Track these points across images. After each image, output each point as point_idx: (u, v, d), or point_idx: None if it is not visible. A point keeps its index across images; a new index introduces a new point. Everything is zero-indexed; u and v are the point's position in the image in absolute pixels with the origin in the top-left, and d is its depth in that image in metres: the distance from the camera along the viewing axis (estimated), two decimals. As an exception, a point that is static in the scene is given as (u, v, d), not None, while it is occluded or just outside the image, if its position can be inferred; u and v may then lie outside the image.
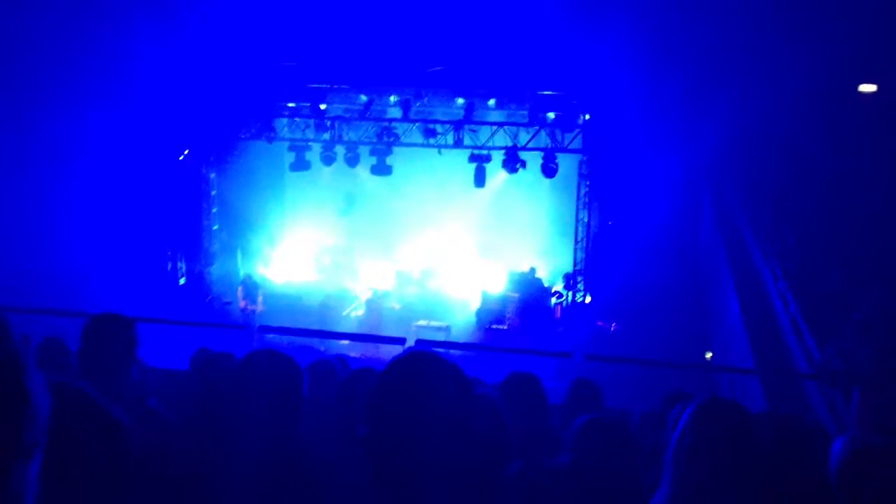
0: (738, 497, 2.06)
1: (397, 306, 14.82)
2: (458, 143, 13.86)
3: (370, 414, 1.47)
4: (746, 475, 2.09)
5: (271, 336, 8.25)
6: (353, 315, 14.66)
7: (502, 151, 13.66)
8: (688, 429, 2.14)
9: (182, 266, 14.76)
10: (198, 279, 14.83)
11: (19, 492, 0.89)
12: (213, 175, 15.02)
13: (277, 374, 2.10)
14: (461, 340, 12.99)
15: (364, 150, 14.13)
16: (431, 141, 13.81)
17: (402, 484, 1.42)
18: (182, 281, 14.76)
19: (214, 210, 15.20)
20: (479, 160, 13.82)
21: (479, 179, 13.94)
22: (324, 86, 13.34)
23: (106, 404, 1.39)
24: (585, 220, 13.99)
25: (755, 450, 2.12)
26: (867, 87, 10.50)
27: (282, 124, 14.27)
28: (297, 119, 14.20)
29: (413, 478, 1.41)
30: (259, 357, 2.18)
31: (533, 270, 14.65)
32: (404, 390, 1.47)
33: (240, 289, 13.68)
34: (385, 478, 1.42)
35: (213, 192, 15.14)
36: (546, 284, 14.60)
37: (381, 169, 14.19)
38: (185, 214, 14.59)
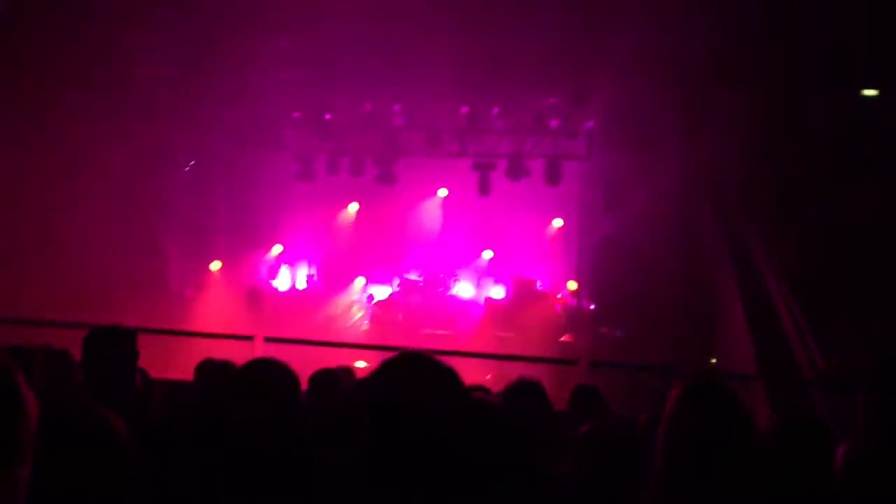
0: (733, 476, 2.07)
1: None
2: (461, 152, 13.90)
3: (360, 416, 1.47)
4: (739, 452, 2.10)
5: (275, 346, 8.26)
6: (358, 325, 14.68)
7: (506, 159, 13.68)
8: (679, 407, 2.16)
9: (188, 277, 14.79)
10: (204, 290, 14.86)
11: (13, 494, 0.91)
12: (219, 186, 15.07)
13: (275, 382, 2.12)
14: (467, 348, 13.00)
15: (368, 159, 14.18)
16: (435, 149, 13.86)
17: (396, 487, 1.42)
18: (188, 291, 14.78)
19: (220, 221, 15.24)
20: (483, 168, 13.86)
21: (483, 187, 13.97)
22: (328, 95, 13.40)
23: (104, 415, 1.41)
24: (589, 226, 13.98)
25: (746, 426, 2.13)
26: (870, 92, 10.49)
27: (287, 134, 14.33)
28: (301, 129, 14.26)
29: (406, 480, 1.41)
30: (257, 366, 2.20)
31: (534, 279, 14.74)
32: (394, 392, 1.47)
33: (245, 299, 13.71)
34: (378, 482, 1.42)
35: (219, 201, 15.19)
36: (549, 292, 14.62)
37: (386, 178, 14.23)
38: (191, 225, 14.64)
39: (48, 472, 1.29)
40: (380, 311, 15.09)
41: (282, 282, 16.23)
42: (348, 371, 4.85)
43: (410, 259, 15.99)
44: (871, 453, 2.46)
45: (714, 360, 11.21)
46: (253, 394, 2.15)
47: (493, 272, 15.64)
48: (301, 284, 16.22)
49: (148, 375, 4.05)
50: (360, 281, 15.77)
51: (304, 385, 3.31)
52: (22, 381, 0.91)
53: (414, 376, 1.49)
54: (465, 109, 13.56)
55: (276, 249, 16.24)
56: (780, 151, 10.07)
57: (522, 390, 3.73)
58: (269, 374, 2.23)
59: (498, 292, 14.98)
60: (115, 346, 3.06)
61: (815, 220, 9.10)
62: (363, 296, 15.47)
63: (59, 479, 1.28)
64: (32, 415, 0.93)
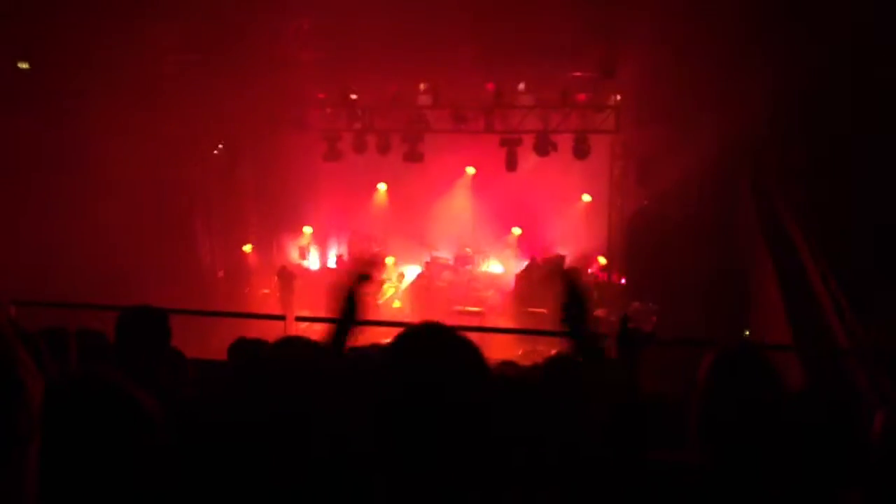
0: (766, 437, 2.08)
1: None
2: (488, 128, 13.81)
3: (376, 387, 1.46)
4: (771, 414, 2.11)
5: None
6: (388, 303, 14.74)
7: (533, 134, 13.58)
8: (711, 374, 2.19)
9: (220, 258, 14.94)
10: (235, 271, 15.00)
11: (20, 476, 0.91)
12: (247, 168, 15.16)
13: (304, 360, 2.13)
14: (497, 324, 13.00)
15: (395, 138, 14.15)
16: (462, 126, 13.79)
17: (412, 459, 1.41)
18: (221, 272, 14.94)
19: (249, 203, 15.36)
20: (510, 144, 13.77)
21: (511, 163, 13.89)
22: (353, 75, 13.38)
23: (136, 394, 1.42)
24: (619, 201, 13.87)
25: (778, 390, 2.15)
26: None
27: (313, 115, 14.34)
28: (328, 109, 14.26)
29: (421, 452, 1.40)
30: (286, 344, 2.21)
31: (562, 254, 14.72)
32: (408, 363, 1.46)
33: (276, 279, 13.81)
34: (396, 454, 1.41)
35: (249, 184, 15.29)
36: (579, 267, 14.56)
37: (413, 156, 14.20)
38: (221, 207, 14.76)
39: (79, 452, 1.30)
40: (410, 288, 15.15)
41: (312, 262, 16.33)
42: (381, 348, 4.87)
43: (439, 237, 15.98)
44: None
45: (747, 333, 11.10)
46: (284, 371, 2.17)
47: (522, 248, 15.59)
48: (331, 264, 16.31)
49: (182, 355, 4.10)
50: (390, 259, 15.81)
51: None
52: (23, 366, 0.91)
53: (430, 348, 1.48)
54: (491, 85, 13.45)
55: (307, 230, 16.33)
56: (815, 123, 9.86)
57: (557, 365, 3.70)
58: (299, 351, 2.25)
59: (527, 268, 14.92)
60: (146, 326, 3.10)
61: (850, 191, 8.92)
62: (394, 274, 15.52)
63: (90, 458, 1.30)
64: (33, 399, 0.93)
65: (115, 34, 10.42)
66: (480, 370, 1.49)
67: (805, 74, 9.48)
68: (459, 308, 13.63)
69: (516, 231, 15.80)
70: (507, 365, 4.09)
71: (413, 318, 13.23)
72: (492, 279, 15.43)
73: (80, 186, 10.58)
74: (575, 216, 15.39)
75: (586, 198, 15.26)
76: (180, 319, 3.93)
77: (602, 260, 14.60)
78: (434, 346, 1.50)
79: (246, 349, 4.22)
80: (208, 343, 6.55)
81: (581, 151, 13.39)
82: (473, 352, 1.50)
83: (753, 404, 2.12)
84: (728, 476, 2.09)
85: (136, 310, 3.18)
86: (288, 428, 2.05)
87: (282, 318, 7.70)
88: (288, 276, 14.13)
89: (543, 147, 13.47)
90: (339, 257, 16.34)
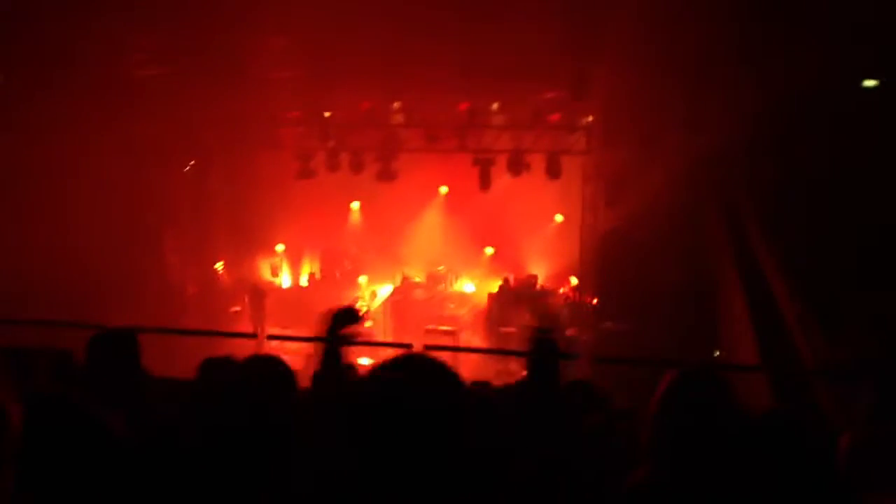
0: (721, 460, 2.11)
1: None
2: (461, 147, 13.88)
3: (359, 416, 1.47)
4: (723, 433, 2.15)
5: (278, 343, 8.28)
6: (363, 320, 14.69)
7: (506, 154, 13.67)
8: (667, 399, 2.21)
9: (191, 275, 14.80)
10: (206, 288, 14.86)
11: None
12: (219, 185, 15.07)
13: (271, 378, 2.13)
14: (470, 343, 13.01)
15: (368, 157, 14.16)
16: (435, 145, 13.84)
17: (394, 485, 1.42)
18: (191, 290, 14.79)
19: (221, 220, 15.24)
20: (483, 163, 13.84)
21: (484, 183, 13.96)
22: (327, 94, 13.38)
23: (102, 415, 1.41)
24: (590, 221, 13.97)
25: (730, 410, 2.18)
26: (870, 82, 10.46)
27: (286, 133, 14.31)
28: (301, 127, 14.24)
29: (403, 477, 1.41)
30: (253, 363, 2.21)
31: (534, 274, 14.83)
32: (391, 392, 1.47)
33: (247, 297, 13.70)
34: (377, 479, 1.42)
35: (220, 202, 15.19)
36: (551, 287, 14.66)
37: (386, 174, 14.22)
38: (192, 224, 14.64)
39: (47, 472, 1.29)
40: (382, 307, 15.11)
41: (284, 280, 16.23)
42: (352, 368, 4.84)
43: (413, 255, 15.98)
44: (875, 442, 2.47)
45: (717, 353, 11.21)
46: (249, 389, 2.16)
47: (494, 267, 15.63)
48: (303, 282, 16.23)
49: (150, 374, 4.05)
50: (362, 278, 15.77)
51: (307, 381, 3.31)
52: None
53: (414, 378, 1.49)
54: (464, 105, 13.53)
55: (279, 247, 16.24)
56: (781, 143, 10.05)
57: (531, 387, 3.72)
58: (265, 369, 2.25)
59: (499, 288, 14.95)
60: (115, 347, 3.07)
61: (817, 211, 9.09)
62: (366, 293, 15.48)
63: (57, 478, 1.29)
64: (11, 426, 0.93)
65: (86, 45, 10.33)
66: (462, 398, 1.51)
67: (773, 94, 9.67)
68: (431, 327, 13.61)
69: (489, 250, 15.84)
70: (481, 385, 4.10)
71: (385, 336, 13.19)
72: (464, 298, 15.45)
73: (47, 201, 10.44)
74: (547, 236, 15.49)
75: (559, 218, 15.37)
76: (149, 337, 3.89)
77: (574, 280, 14.68)
78: (417, 376, 1.50)
79: (216, 367, 4.18)
80: (177, 361, 6.47)
81: (553, 172, 13.51)
82: (455, 380, 1.51)
83: (705, 422, 2.16)
84: (680, 491, 2.12)
85: (106, 332, 3.16)
86: (259, 445, 2.05)
87: (253, 336, 7.66)
88: (259, 294, 14.03)
89: (516, 167, 13.56)
90: (311, 275, 16.27)
